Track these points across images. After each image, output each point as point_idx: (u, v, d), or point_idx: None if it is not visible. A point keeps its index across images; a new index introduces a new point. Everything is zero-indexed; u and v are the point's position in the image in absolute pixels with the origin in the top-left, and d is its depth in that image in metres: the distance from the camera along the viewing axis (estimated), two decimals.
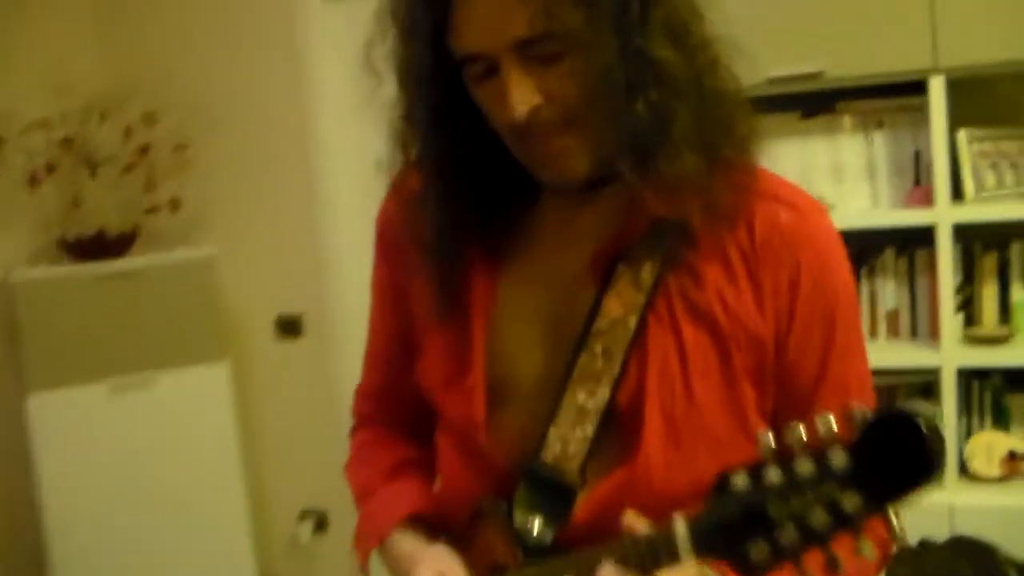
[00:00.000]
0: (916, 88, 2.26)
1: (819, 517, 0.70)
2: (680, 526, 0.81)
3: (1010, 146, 2.36)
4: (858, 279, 2.43)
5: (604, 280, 0.99)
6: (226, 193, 3.31)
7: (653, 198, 0.91)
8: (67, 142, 2.90)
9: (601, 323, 0.98)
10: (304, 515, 3.32)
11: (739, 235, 0.97)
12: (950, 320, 2.27)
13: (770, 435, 0.75)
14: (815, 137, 2.47)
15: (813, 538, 0.72)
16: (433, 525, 1.11)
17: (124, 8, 3.34)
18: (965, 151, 2.30)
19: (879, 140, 2.42)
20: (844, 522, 0.70)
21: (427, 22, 0.90)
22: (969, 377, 2.35)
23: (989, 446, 2.31)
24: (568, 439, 0.97)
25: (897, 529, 0.71)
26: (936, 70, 2.18)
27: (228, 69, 3.24)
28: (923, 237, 2.32)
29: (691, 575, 0.82)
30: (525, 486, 0.99)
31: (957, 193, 2.28)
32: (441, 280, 1.04)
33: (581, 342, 0.98)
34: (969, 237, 2.33)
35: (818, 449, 0.71)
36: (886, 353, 2.40)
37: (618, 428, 0.97)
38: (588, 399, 0.97)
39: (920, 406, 0.68)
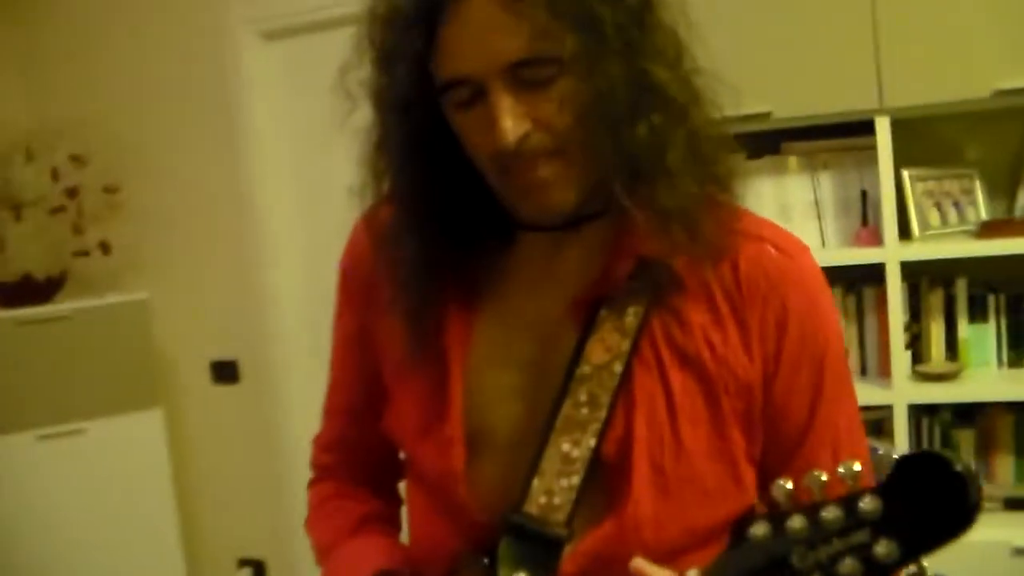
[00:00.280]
0: (860, 128, 2.29)
1: (849, 566, 0.66)
2: None
3: (952, 185, 2.41)
4: None
5: (586, 324, 0.95)
6: (158, 236, 3.22)
7: (643, 227, 0.88)
8: None
9: (584, 369, 0.94)
10: (241, 564, 3.24)
11: (723, 274, 0.94)
12: (901, 357, 2.29)
13: (789, 483, 0.71)
14: (762, 178, 2.48)
15: None
16: None
17: (52, 48, 3.25)
18: (909, 190, 2.34)
19: (825, 180, 2.44)
20: (877, 571, 0.66)
21: (409, 45, 0.86)
22: (919, 412, 2.36)
23: None
24: (553, 490, 0.93)
25: None
26: (881, 111, 2.21)
27: (159, 110, 3.17)
28: (870, 275, 2.34)
29: None
30: (508, 540, 0.94)
31: (904, 232, 2.30)
32: (414, 320, 0.99)
33: (564, 389, 0.94)
34: (916, 275, 2.35)
35: (844, 496, 0.68)
36: None
37: (604, 478, 0.93)
38: (573, 448, 0.93)
39: (946, 451, 0.65)
